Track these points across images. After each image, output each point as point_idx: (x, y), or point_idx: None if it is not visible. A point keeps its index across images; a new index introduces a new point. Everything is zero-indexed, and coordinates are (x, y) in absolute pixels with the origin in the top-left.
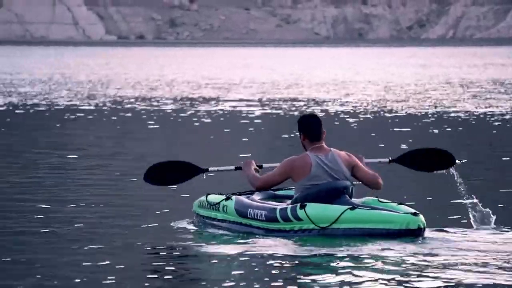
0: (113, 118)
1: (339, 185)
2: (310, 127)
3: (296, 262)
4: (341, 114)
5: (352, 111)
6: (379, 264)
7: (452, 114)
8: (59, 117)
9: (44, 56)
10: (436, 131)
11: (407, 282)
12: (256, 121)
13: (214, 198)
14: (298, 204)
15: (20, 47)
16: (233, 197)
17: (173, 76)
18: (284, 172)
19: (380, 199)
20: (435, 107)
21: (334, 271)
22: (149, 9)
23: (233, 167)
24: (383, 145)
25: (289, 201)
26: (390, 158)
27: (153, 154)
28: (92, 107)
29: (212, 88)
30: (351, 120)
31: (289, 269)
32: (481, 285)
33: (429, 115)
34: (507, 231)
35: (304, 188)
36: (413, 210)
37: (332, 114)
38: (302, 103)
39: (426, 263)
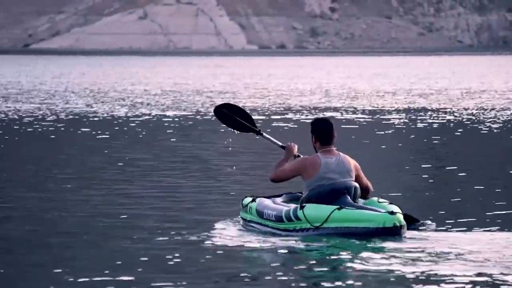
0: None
1: (341, 186)
2: (322, 131)
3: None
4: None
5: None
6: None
7: None
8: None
9: (188, 65)
10: None
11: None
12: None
13: (246, 200)
14: (299, 205)
15: (164, 57)
16: (258, 199)
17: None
18: (296, 169)
19: (380, 200)
20: None
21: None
22: (290, 19)
23: (280, 144)
24: None
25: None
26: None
27: None
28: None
29: (364, 96)
30: None
31: (289, 266)
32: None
33: None
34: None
35: (311, 188)
36: (392, 209)
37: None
38: (458, 113)
39: (406, 262)
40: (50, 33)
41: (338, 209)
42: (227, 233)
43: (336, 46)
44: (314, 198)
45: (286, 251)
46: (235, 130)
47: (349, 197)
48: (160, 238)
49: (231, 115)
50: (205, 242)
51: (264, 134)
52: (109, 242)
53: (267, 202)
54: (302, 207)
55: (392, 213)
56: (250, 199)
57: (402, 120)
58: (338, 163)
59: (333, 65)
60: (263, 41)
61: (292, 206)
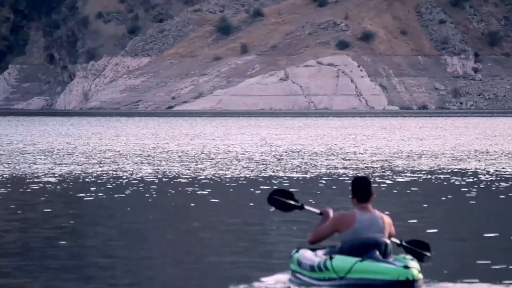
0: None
1: (372, 241)
2: (359, 188)
3: None
4: None
5: None
6: None
7: None
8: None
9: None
10: None
11: None
12: None
13: (292, 251)
14: (329, 256)
15: (304, 118)
16: (301, 250)
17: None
18: (334, 226)
19: (406, 256)
20: None
21: None
22: (432, 79)
23: (317, 211)
24: None
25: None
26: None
27: None
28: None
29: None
30: None
31: None
32: None
33: None
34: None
35: (344, 241)
36: (407, 263)
37: None
38: None
39: None
40: (193, 95)
41: (361, 261)
42: (277, 278)
43: (479, 106)
44: (346, 250)
45: None
46: (284, 211)
47: (378, 252)
48: None
49: (282, 200)
50: None
51: (306, 206)
52: None
53: (308, 253)
54: (331, 258)
55: (406, 267)
56: (295, 250)
57: None
58: (372, 220)
59: (475, 125)
60: (404, 101)
61: (325, 257)
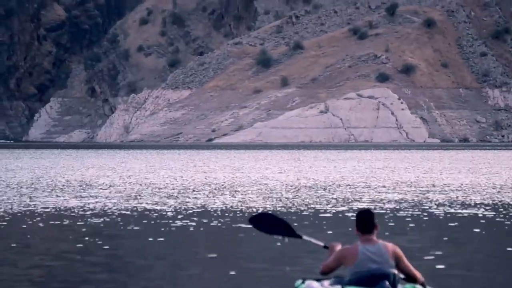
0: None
1: (378, 272)
2: (362, 222)
3: None
4: None
5: None
6: None
7: None
8: None
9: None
10: None
11: None
12: None
13: (297, 282)
14: (341, 286)
15: (344, 150)
16: (307, 281)
17: None
18: (337, 260)
19: (416, 286)
20: None
21: None
22: (473, 112)
23: (322, 244)
24: None
25: None
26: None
27: None
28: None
29: None
30: None
31: None
32: None
33: None
34: None
35: (351, 274)
36: None
37: None
38: None
39: None
40: (233, 127)
41: None
42: None
43: None
44: (355, 282)
45: None
46: (277, 236)
47: (387, 282)
48: None
49: (269, 224)
50: None
51: (304, 237)
52: None
53: (315, 284)
54: None
55: None
56: (300, 281)
57: None
58: (376, 252)
59: None
60: (445, 134)
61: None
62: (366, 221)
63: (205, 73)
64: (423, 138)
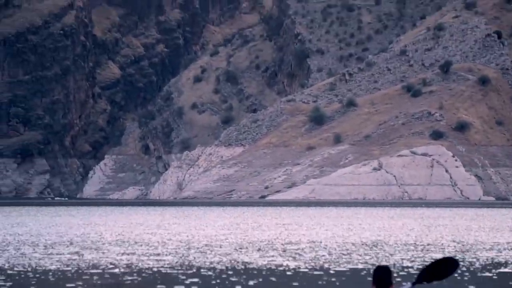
0: None
1: None
2: (378, 278)
3: None
4: None
5: None
6: None
7: None
8: None
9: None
10: None
11: None
12: None
13: None
14: None
15: (398, 208)
16: None
17: None
18: None
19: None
20: None
21: None
22: None
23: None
24: None
25: None
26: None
27: None
28: None
29: None
30: None
31: None
32: None
33: None
34: None
35: None
36: None
37: None
38: None
39: None
40: (286, 184)
41: None
42: None
43: None
44: None
45: None
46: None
47: None
48: None
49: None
50: None
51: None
52: None
53: None
54: None
55: None
56: None
57: None
58: None
59: None
60: (501, 192)
61: None
62: (381, 278)
63: (258, 130)
64: (477, 196)
